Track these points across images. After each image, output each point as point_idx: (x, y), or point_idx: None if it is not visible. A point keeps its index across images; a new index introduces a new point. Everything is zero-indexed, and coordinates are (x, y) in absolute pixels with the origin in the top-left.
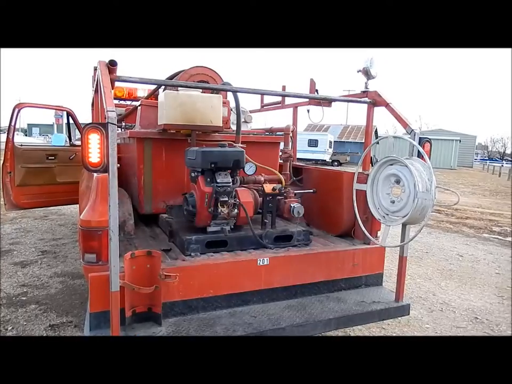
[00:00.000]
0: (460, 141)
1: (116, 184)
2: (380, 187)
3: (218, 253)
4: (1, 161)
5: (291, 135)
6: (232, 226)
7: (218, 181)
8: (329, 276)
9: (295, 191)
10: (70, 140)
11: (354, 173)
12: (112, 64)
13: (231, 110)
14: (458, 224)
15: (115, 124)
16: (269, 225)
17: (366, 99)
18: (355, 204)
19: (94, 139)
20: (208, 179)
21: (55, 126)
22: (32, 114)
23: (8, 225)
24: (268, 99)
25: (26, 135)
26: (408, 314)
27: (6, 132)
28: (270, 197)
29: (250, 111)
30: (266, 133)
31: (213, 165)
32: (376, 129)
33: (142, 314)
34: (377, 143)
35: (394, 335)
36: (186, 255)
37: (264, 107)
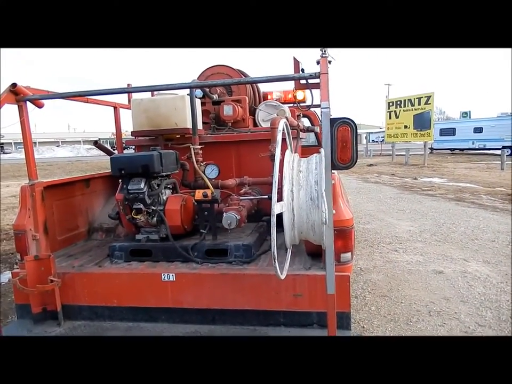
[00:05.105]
0: None
1: None
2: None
3: (143, 262)
4: None
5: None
6: (163, 235)
7: (128, 187)
8: (258, 306)
9: (244, 198)
10: None
11: None
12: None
13: (257, 108)
14: None
15: None
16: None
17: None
18: None
19: None
20: (124, 186)
21: None
22: None
23: None
24: None
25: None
26: None
27: None
28: (207, 205)
29: None
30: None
31: (122, 171)
32: None
33: (45, 313)
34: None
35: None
36: (111, 262)
37: None
